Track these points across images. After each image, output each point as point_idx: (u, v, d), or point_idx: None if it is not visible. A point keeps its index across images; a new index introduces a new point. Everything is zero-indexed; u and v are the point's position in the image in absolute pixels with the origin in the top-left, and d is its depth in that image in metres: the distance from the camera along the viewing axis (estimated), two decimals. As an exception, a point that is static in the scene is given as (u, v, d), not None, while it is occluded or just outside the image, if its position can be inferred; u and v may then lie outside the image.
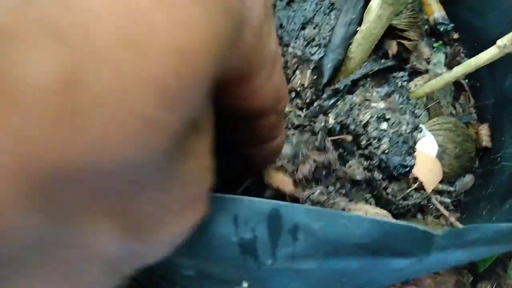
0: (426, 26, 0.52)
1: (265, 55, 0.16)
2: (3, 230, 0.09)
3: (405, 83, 0.43)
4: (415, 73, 0.50)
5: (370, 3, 0.41)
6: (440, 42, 0.53)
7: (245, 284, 0.29)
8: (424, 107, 0.45)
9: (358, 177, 0.36)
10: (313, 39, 0.46)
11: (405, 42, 0.48)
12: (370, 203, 0.36)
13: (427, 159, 0.41)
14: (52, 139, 0.08)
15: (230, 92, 0.16)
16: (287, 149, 0.41)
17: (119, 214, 0.12)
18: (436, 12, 0.53)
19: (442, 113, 0.47)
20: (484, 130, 0.48)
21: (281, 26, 0.48)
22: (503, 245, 0.28)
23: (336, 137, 0.41)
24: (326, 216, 0.22)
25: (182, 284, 0.32)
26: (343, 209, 0.38)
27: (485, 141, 0.47)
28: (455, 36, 0.53)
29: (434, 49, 0.53)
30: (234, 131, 0.22)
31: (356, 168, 0.38)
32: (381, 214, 0.33)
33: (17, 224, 0.09)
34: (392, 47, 0.48)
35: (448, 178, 0.46)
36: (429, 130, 0.43)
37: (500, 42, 0.37)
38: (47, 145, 0.08)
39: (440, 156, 0.44)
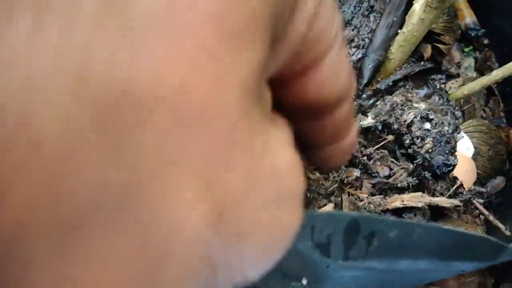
0: (459, 30, 0.53)
1: (333, 28, 0.13)
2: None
3: (443, 85, 0.44)
4: (448, 76, 0.51)
5: (413, 6, 0.42)
6: (471, 47, 0.54)
7: (304, 281, 0.30)
8: (460, 108, 0.46)
9: (399, 184, 0.38)
10: (352, 40, 0.47)
11: (441, 46, 0.49)
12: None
13: (464, 160, 0.43)
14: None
15: (297, 84, 0.14)
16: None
17: (206, 174, 0.09)
18: (468, 17, 0.54)
19: (476, 115, 0.48)
20: (515, 134, 0.49)
21: (320, 26, 0.49)
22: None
23: (380, 144, 0.42)
24: (403, 225, 0.24)
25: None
26: (379, 205, 0.39)
27: (516, 144, 0.49)
28: (486, 41, 0.54)
29: (465, 54, 0.54)
30: (298, 135, 0.18)
31: (399, 176, 0.39)
32: (417, 196, 0.35)
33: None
34: (427, 50, 0.49)
35: (480, 179, 0.47)
36: (465, 132, 0.45)
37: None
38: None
39: (474, 157, 0.45)
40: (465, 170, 0.43)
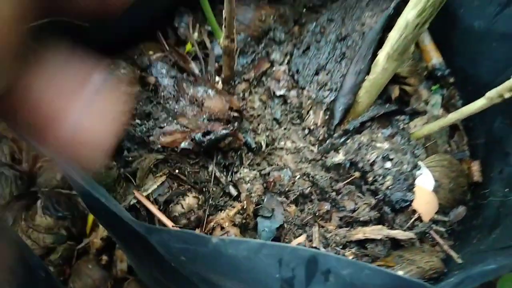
0: (425, 72, 0.59)
1: None
2: None
3: (406, 126, 0.49)
4: (415, 113, 0.56)
5: (378, 56, 0.47)
6: (438, 85, 0.60)
7: None
8: (422, 146, 0.52)
9: (362, 218, 0.42)
10: (326, 84, 0.53)
11: (406, 88, 0.54)
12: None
13: (425, 193, 0.47)
14: None
15: None
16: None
17: None
18: (434, 58, 0.59)
19: (438, 151, 0.53)
20: (475, 166, 0.54)
21: (297, 71, 0.54)
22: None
23: (348, 180, 0.47)
24: (353, 265, 0.28)
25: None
26: (344, 237, 0.44)
27: (476, 176, 0.53)
28: (451, 80, 0.60)
29: (432, 92, 0.60)
30: None
31: (362, 211, 0.44)
32: (377, 229, 0.40)
33: None
34: (395, 91, 0.55)
35: (443, 209, 0.51)
36: (427, 167, 0.50)
37: (488, 94, 0.44)
38: None
39: (436, 190, 0.50)
40: (426, 203, 0.48)
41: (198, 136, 0.45)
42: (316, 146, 0.51)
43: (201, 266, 0.29)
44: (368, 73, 0.49)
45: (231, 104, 0.48)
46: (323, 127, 0.52)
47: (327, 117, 0.52)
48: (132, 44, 0.54)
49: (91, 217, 0.80)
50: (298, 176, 0.49)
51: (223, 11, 0.39)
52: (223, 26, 0.41)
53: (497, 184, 0.50)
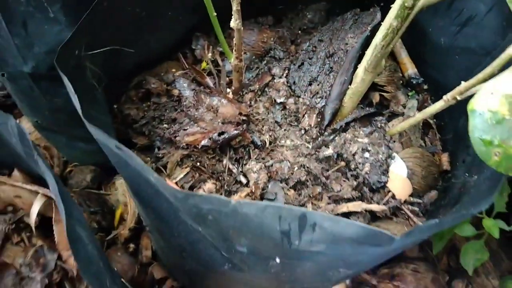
0: (401, 81, 0.70)
1: None
2: None
3: (383, 125, 0.61)
4: (394, 115, 0.67)
5: (357, 70, 0.59)
6: (413, 91, 0.71)
7: (277, 260, 0.46)
8: (398, 141, 0.63)
9: (346, 196, 0.54)
10: (317, 93, 0.64)
11: (385, 94, 0.66)
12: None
13: (399, 178, 0.58)
14: None
15: None
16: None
17: None
18: (410, 69, 0.71)
19: (412, 145, 0.64)
20: (445, 158, 0.65)
21: (294, 83, 0.66)
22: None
23: (335, 168, 0.58)
24: (332, 219, 0.39)
25: (236, 258, 0.49)
26: (332, 210, 0.55)
27: (445, 165, 0.64)
28: (425, 87, 0.71)
29: (409, 97, 0.71)
30: None
31: (346, 191, 0.55)
32: (357, 204, 0.51)
33: None
34: (375, 97, 0.66)
35: (418, 193, 0.62)
36: (402, 158, 0.61)
37: (445, 96, 0.55)
38: None
39: (410, 177, 0.60)
40: (400, 186, 0.58)
41: (215, 135, 0.57)
42: (311, 143, 0.63)
43: (223, 223, 0.41)
44: (350, 83, 0.61)
45: (240, 110, 0.60)
46: (316, 127, 0.63)
47: (319, 119, 0.63)
48: (159, 64, 0.66)
49: (118, 212, 0.92)
50: (296, 168, 0.60)
51: (234, 38, 0.51)
52: (233, 49, 0.53)
53: (460, 171, 0.61)
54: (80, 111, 0.39)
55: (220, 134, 0.57)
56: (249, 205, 0.38)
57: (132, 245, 0.87)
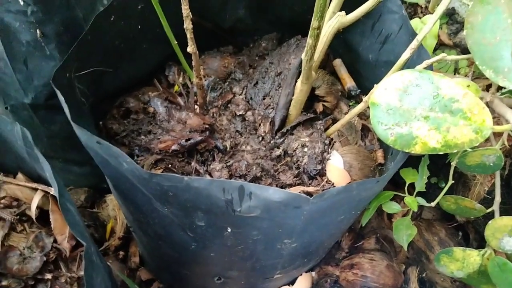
0: (342, 92, 0.83)
1: None
2: None
3: (322, 127, 0.73)
4: (335, 120, 0.80)
5: (297, 83, 0.72)
6: (353, 101, 0.84)
7: (229, 229, 0.58)
8: (338, 140, 0.75)
9: (289, 182, 0.66)
10: (269, 105, 0.78)
11: (326, 104, 0.79)
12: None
13: (337, 169, 0.70)
14: None
15: None
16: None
17: None
18: (349, 83, 0.85)
19: (350, 144, 0.77)
20: (380, 153, 0.77)
21: (251, 98, 0.80)
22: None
23: (282, 163, 0.70)
24: (263, 188, 0.51)
25: (198, 234, 0.60)
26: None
27: (380, 159, 0.76)
28: (362, 97, 0.84)
29: (350, 106, 0.84)
30: None
31: (289, 179, 0.67)
32: (298, 188, 0.62)
33: None
34: (319, 107, 0.79)
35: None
36: (340, 154, 0.73)
37: (365, 98, 0.68)
38: None
39: (348, 169, 0.73)
40: (339, 176, 0.70)
41: (183, 141, 0.69)
42: (266, 147, 0.75)
43: (181, 196, 0.52)
44: (293, 94, 0.74)
45: (204, 121, 0.73)
46: (269, 133, 0.76)
47: (271, 126, 0.76)
48: (137, 88, 0.80)
49: (109, 225, 1.03)
50: (254, 167, 0.72)
51: (192, 61, 0.65)
52: (193, 70, 0.67)
53: (389, 161, 0.73)
54: (69, 116, 0.51)
55: (187, 140, 0.69)
56: (199, 181, 0.50)
57: (121, 253, 0.97)
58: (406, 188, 0.67)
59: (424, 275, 0.89)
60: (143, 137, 0.72)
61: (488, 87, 0.84)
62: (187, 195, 0.52)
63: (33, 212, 0.60)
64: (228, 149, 0.73)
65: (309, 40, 0.58)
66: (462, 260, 0.69)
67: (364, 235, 0.95)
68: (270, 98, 0.78)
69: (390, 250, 0.92)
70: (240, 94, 0.81)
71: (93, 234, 0.98)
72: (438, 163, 0.86)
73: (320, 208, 0.54)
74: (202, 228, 0.58)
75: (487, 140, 0.55)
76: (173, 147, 0.69)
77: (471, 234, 0.93)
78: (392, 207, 0.66)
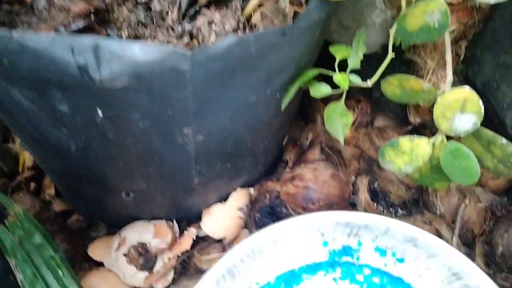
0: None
1: None
2: None
3: (238, 6, 0.61)
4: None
5: None
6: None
7: (100, 113, 0.45)
8: (261, 23, 0.62)
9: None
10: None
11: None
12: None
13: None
14: None
15: None
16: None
17: None
18: None
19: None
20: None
21: None
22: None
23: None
24: (129, 45, 0.38)
25: (67, 127, 0.48)
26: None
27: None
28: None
29: (280, -9, 0.71)
30: None
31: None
32: None
33: None
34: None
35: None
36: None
37: None
38: None
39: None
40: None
41: (62, 29, 0.56)
42: (174, 37, 0.62)
43: (18, 64, 0.39)
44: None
45: (91, 4, 0.59)
46: (177, 21, 0.62)
47: (179, 11, 0.62)
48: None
49: (22, 157, 0.90)
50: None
51: None
52: None
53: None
54: None
55: (65, 26, 0.56)
56: (36, 38, 0.37)
57: (32, 184, 0.86)
58: (336, 65, 0.55)
59: (375, 185, 0.79)
60: (19, 29, 0.58)
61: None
62: (26, 61, 0.39)
63: None
64: (124, 38, 0.60)
65: None
66: (410, 152, 0.58)
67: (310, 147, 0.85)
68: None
69: (338, 162, 0.82)
70: (144, -21, 0.67)
71: (2, 168, 0.86)
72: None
73: (210, 74, 0.42)
74: (69, 116, 0.46)
75: None
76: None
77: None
78: (321, 89, 0.55)
